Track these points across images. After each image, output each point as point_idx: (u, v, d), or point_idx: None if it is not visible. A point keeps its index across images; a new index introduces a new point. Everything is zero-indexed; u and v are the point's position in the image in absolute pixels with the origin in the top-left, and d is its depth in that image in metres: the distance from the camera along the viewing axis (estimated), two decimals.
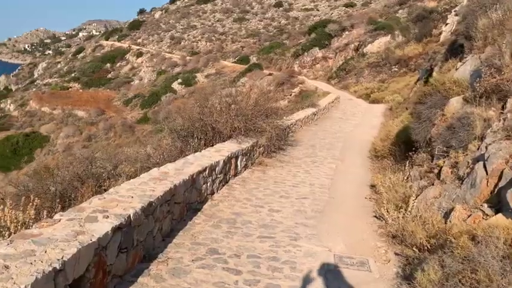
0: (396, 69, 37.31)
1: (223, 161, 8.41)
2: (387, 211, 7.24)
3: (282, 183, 9.25)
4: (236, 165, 9.37)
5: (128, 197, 5.16)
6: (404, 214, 6.88)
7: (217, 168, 8.09)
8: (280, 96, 36.58)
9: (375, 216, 7.48)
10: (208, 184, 7.66)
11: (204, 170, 7.43)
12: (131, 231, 4.63)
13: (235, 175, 9.36)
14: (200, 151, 9.22)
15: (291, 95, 37.39)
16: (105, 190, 7.07)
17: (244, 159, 9.89)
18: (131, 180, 6.11)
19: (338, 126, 18.18)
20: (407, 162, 9.39)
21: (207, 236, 5.98)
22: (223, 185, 8.56)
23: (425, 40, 37.63)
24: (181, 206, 6.45)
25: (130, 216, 4.58)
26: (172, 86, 55.47)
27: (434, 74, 14.32)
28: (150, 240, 5.27)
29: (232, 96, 11.59)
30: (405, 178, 8.68)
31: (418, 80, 25.64)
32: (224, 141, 10.51)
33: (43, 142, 53.38)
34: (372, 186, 9.40)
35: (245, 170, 10.02)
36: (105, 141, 49.91)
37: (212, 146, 10.31)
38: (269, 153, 11.89)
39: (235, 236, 6.05)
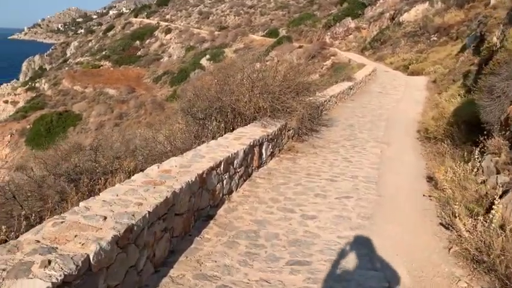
0: (435, 38, 34.28)
1: (244, 151, 6.66)
2: (459, 217, 5.36)
3: (317, 175, 7.43)
4: (260, 155, 7.61)
5: (100, 218, 3.50)
6: (484, 224, 5.00)
7: (235, 161, 6.35)
8: (312, 69, 34.33)
9: (441, 224, 5.60)
10: (225, 182, 5.94)
11: (218, 165, 5.70)
12: (91, 280, 2.98)
13: (260, 166, 7.61)
14: (217, 138, 7.53)
15: (322, 68, 35.05)
16: (99, 191, 5.50)
17: (270, 146, 8.11)
18: (116, 186, 4.45)
19: (377, 101, 16.05)
20: (475, 148, 7.39)
21: (217, 263, 4.28)
22: (245, 180, 6.83)
23: (467, 6, 34.36)
24: (186, 217, 4.77)
25: (88, 259, 2.92)
26: (200, 62, 53.82)
27: (495, 39, 11.99)
28: (133, 278, 3.62)
29: (256, 72, 9.72)
30: (475, 170, 6.72)
31: (464, 48, 22.96)
32: (247, 124, 8.75)
33: (76, 121, 53.14)
34: (430, 178, 7.47)
35: (271, 158, 8.25)
36: (136, 119, 49.22)
37: (232, 130, 8.60)
38: (300, 136, 10.05)
39: (255, 262, 4.33)
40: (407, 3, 40.74)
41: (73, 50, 74.14)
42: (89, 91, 56.80)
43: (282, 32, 54.21)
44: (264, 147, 7.73)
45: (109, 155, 8.37)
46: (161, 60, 61.42)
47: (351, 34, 45.05)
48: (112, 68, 62.76)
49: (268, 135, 7.90)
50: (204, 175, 5.26)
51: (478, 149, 6.86)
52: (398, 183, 7.29)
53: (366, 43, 40.74)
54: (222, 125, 9.03)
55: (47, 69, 72.22)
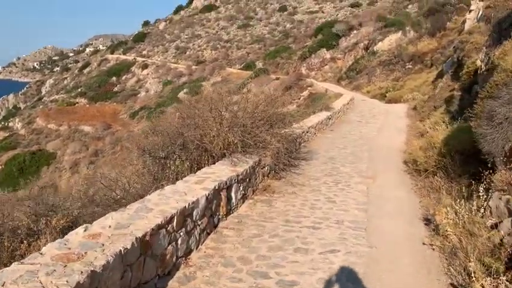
0: (410, 66, 34.21)
1: (207, 197, 5.41)
2: (475, 276, 4.19)
3: (297, 222, 6.20)
4: (229, 199, 6.36)
5: None
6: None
7: (195, 212, 5.09)
8: (288, 100, 33.62)
9: (453, 286, 4.41)
10: (180, 241, 4.66)
11: (169, 221, 4.44)
12: None
13: (228, 213, 6.34)
14: (180, 179, 6.31)
15: (299, 98, 34.38)
16: (21, 257, 4.18)
17: (241, 188, 6.88)
18: (11, 267, 3.13)
19: (358, 131, 15.07)
20: (474, 182, 6.33)
21: None
22: (208, 234, 5.55)
23: (439, 34, 34.56)
24: None
25: None
26: (178, 96, 52.79)
27: (478, 62, 11.22)
28: None
29: (225, 103, 8.59)
30: (481, 211, 5.60)
31: (441, 75, 22.47)
32: (215, 162, 7.56)
33: (50, 159, 51.06)
34: (427, 220, 6.33)
35: (243, 202, 7.00)
36: (111, 155, 47.47)
37: (199, 169, 7.39)
38: (277, 172, 8.87)
39: None
40: (380, 32, 40.89)
41: (48, 88, 72.36)
42: (63, 129, 54.96)
43: (259, 65, 53.84)
44: (233, 189, 6.49)
45: (54, 206, 7.00)
46: (138, 95, 60.21)
47: (326, 65, 44.85)
48: (87, 105, 61.20)
49: (238, 175, 6.68)
50: (148, 237, 3.98)
51: (483, 185, 5.74)
52: (391, 228, 6.11)
53: (342, 73, 40.50)
54: (187, 164, 7.79)
55: (22, 108, 70.12)
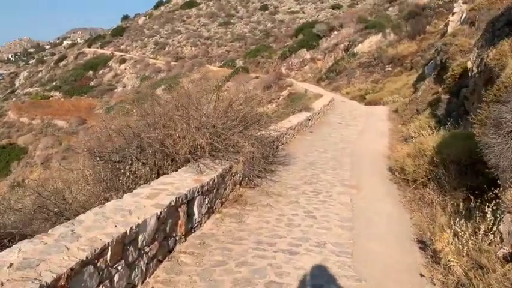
0: (390, 68, 33.69)
1: (158, 217, 4.29)
2: None
3: (271, 244, 5.12)
4: (190, 215, 5.24)
5: None
6: None
7: (141, 237, 3.97)
8: (267, 99, 32.63)
9: None
10: (116, 278, 3.53)
11: (100, 254, 3.30)
12: None
13: (189, 232, 5.23)
14: (136, 188, 5.19)
15: (279, 98, 33.43)
16: None
17: (207, 201, 5.77)
18: None
19: (338, 133, 14.12)
20: (480, 200, 5.40)
21: None
22: (160, 262, 4.42)
23: (419, 38, 34.14)
24: None
25: None
26: (156, 93, 51.17)
27: (469, 64, 10.38)
28: None
29: (193, 101, 7.45)
30: (489, 234, 4.65)
31: (422, 77, 21.78)
32: (178, 168, 6.44)
33: (20, 154, 48.82)
34: (422, 243, 5.35)
35: (209, 217, 5.89)
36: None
37: (160, 175, 6.28)
38: (251, 179, 7.78)
39: None
40: (361, 34, 40.28)
41: (22, 81, 69.42)
42: (36, 123, 52.70)
43: (239, 63, 52.71)
44: (196, 203, 5.37)
45: None
46: (115, 90, 58.30)
47: (306, 65, 44.05)
48: (62, 99, 58.92)
49: (203, 186, 5.56)
50: (63, 281, 2.84)
51: (490, 205, 4.78)
52: (382, 253, 5.10)
53: (322, 74, 39.74)
54: (147, 169, 6.63)
55: None
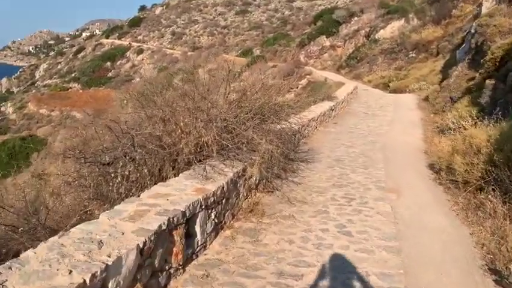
0: (414, 55, 31.75)
1: (141, 250, 3.04)
2: None
3: (296, 276, 3.83)
4: (190, 237, 3.99)
5: None
6: None
7: (113, 284, 2.72)
8: (286, 88, 31.17)
9: None
10: None
11: None
12: None
13: (189, 260, 3.97)
14: (128, 196, 3.98)
15: (297, 87, 31.95)
16: None
17: (213, 215, 4.50)
18: None
19: (365, 125, 12.67)
20: None
21: None
22: None
23: (444, 22, 32.05)
24: None
25: None
26: (173, 83, 50.18)
27: None
28: None
29: (201, 90, 6.18)
30: None
31: (452, 63, 20.00)
32: (181, 170, 5.21)
33: (40, 146, 48.59)
34: (497, 274, 3.98)
35: (216, 235, 4.62)
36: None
37: (159, 180, 5.09)
38: (269, 181, 6.50)
39: None
40: (383, 20, 38.27)
41: (42, 73, 69.27)
42: (55, 114, 52.38)
43: (256, 52, 51.16)
44: (198, 221, 4.12)
45: None
46: (133, 81, 57.49)
47: (326, 53, 42.25)
48: (80, 90, 58.48)
49: (207, 198, 4.29)
50: None
51: None
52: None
53: (342, 61, 38.00)
54: (144, 171, 5.40)
55: (15, 92, 67.18)
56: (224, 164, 5.35)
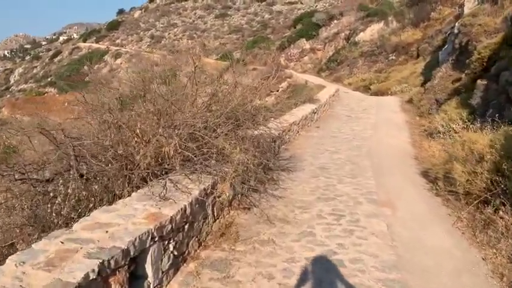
0: (394, 57, 31.35)
1: None
2: None
3: None
4: (140, 279, 3.01)
5: None
6: None
7: None
8: (265, 90, 30.30)
9: None
10: None
11: None
12: None
13: None
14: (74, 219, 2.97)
15: (278, 90, 31.14)
16: None
17: (171, 246, 3.53)
18: None
19: (349, 128, 11.86)
20: None
21: None
22: None
23: (423, 25, 31.81)
24: None
25: None
26: (151, 87, 48.78)
27: None
28: None
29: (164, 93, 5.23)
30: None
31: (433, 65, 19.46)
32: (137, 186, 4.24)
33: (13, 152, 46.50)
34: None
35: (177, 270, 3.65)
36: None
37: (110, 201, 4.13)
38: (245, 195, 5.56)
39: None
40: (362, 22, 37.89)
41: (17, 77, 66.83)
42: (27, 120, 50.26)
43: (236, 55, 50.27)
44: (149, 258, 3.14)
45: None
46: (111, 85, 55.79)
47: (306, 55, 41.64)
48: (57, 95, 56.55)
49: (162, 227, 3.33)
50: None
51: None
52: None
53: (322, 64, 37.43)
54: (94, 187, 4.40)
55: None
56: (189, 178, 4.40)
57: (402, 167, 7.92)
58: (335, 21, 41.61)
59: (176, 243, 3.59)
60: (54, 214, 4.18)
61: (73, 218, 4.21)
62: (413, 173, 7.49)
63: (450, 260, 4.17)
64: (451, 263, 4.09)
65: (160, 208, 3.56)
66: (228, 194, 4.97)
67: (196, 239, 4.08)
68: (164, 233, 3.35)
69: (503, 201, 4.83)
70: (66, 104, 52.86)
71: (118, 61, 59.10)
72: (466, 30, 15.21)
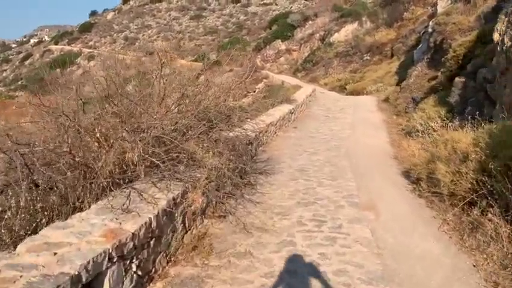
0: (368, 57, 31.46)
1: None
2: None
3: None
4: None
5: None
6: None
7: None
8: (242, 92, 30.00)
9: None
10: None
11: None
12: None
13: None
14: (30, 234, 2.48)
15: (254, 91, 30.81)
16: None
17: (134, 266, 3.10)
18: None
19: (327, 128, 11.59)
20: None
21: None
22: None
23: (397, 25, 32.07)
24: None
25: None
26: (126, 89, 47.69)
27: (496, 35, 7.97)
28: None
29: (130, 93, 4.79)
30: None
31: (409, 64, 19.47)
32: (94, 200, 3.78)
33: None
34: None
35: None
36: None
37: (69, 212, 3.66)
38: (221, 202, 5.16)
39: None
40: (337, 23, 37.95)
41: None
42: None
43: (212, 57, 49.70)
44: (107, 282, 2.71)
45: None
46: (85, 88, 54.33)
47: (282, 56, 41.46)
48: (28, 99, 54.68)
49: (122, 245, 2.90)
50: None
51: None
52: None
53: (298, 65, 37.33)
54: (53, 199, 3.93)
55: None
56: (157, 186, 3.97)
57: (382, 167, 7.66)
58: (310, 22, 41.58)
59: (140, 262, 3.16)
60: (3, 231, 3.70)
61: (26, 234, 3.74)
62: (394, 173, 7.23)
63: (439, 268, 3.87)
64: (440, 271, 3.80)
65: (121, 223, 3.13)
66: (201, 202, 4.55)
67: (164, 254, 3.66)
68: (125, 252, 2.92)
69: (490, 202, 4.58)
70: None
71: (92, 63, 57.67)
72: (440, 29, 15.23)
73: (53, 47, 65.24)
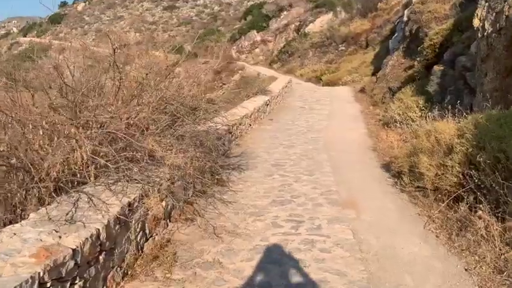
0: (343, 48, 31.25)
1: None
2: None
3: None
4: None
5: None
6: None
7: None
8: (218, 84, 29.50)
9: None
10: None
11: None
12: None
13: None
14: None
15: (230, 83, 30.25)
16: None
17: (81, 285, 2.59)
18: None
19: (304, 120, 11.18)
20: None
21: None
22: None
23: (371, 15, 31.92)
24: None
25: None
26: (100, 82, 46.23)
27: (476, 21, 7.65)
28: None
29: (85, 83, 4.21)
30: None
31: (384, 54, 19.25)
32: (38, 207, 3.22)
33: None
34: None
35: None
36: None
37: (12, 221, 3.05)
38: (188, 202, 4.66)
39: None
40: (311, 14, 37.58)
41: None
42: None
43: (187, 48, 48.65)
44: None
45: None
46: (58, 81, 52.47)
47: (257, 47, 40.84)
48: None
49: (58, 266, 2.37)
50: None
51: None
52: None
53: (274, 56, 36.85)
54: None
55: None
56: (111, 190, 3.43)
57: (361, 159, 7.29)
58: (285, 12, 41.03)
59: (85, 283, 2.64)
60: None
61: None
62: (374, 166, 6.87)
63: (429, 273, 3.49)
64: (431, 278, 3.41)
65: (60, 236, 2.60)
66: (164, 205, 4.04)
67: (119, 268, 3.14)
68: (63, 274, 2.40)
69: (478, 197, 4.23)
70: None
71: (62, 56, 55.68)
72: (415, 18, 14.97)
73: (21, 39, 62.62)
